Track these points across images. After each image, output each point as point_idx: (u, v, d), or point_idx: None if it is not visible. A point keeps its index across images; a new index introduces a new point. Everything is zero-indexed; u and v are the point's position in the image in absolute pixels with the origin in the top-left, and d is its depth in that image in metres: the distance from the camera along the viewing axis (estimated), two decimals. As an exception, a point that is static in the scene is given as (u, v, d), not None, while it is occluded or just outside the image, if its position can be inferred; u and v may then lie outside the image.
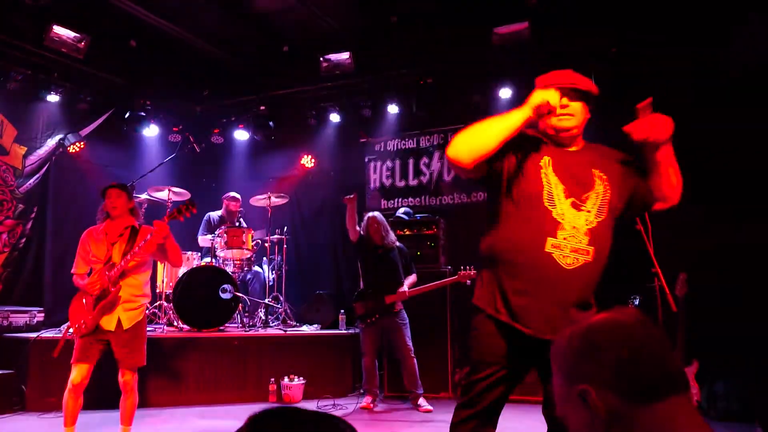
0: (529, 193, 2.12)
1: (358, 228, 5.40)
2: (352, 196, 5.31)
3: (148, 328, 5.84)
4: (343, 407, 5.26)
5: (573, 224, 2.09)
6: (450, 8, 6.17)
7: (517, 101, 6.50)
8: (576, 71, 2.23)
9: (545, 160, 2.17)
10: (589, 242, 2.09)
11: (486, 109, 6.79)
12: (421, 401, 5.16)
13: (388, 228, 5.46)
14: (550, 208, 2.10)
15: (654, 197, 2.22)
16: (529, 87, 6.85)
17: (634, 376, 1.01)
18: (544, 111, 2.06)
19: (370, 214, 5.49)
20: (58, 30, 5.88)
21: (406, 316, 5.29)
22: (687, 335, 4.72)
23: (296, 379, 5.54)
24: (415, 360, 5.21)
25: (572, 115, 2.18)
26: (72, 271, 3.92)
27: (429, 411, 5.03)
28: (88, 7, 5.95)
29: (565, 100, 2.17)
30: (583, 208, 2.12)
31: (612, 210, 2.16)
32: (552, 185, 2.13)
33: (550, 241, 2.07)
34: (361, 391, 5.47)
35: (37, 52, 5.97)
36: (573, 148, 2.24)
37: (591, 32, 5.91)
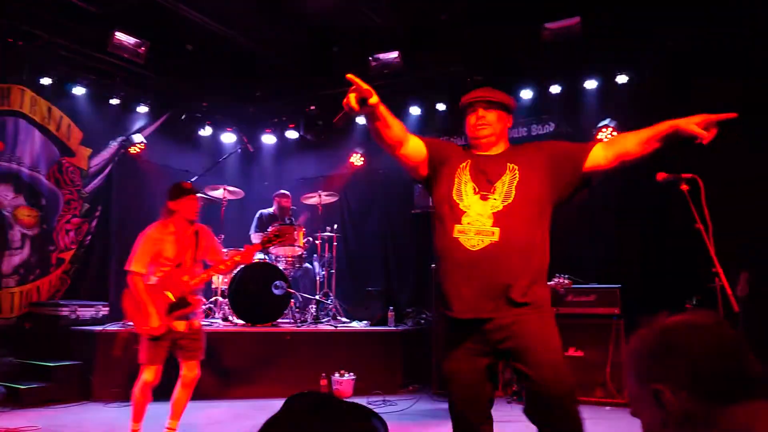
0: (445, 192, 2.39)
1: None
2: None
3: (204, 323, 6.07)
4: (393, 403, 5.31)
5: (478, 212, 2.30)
6: (499, 4, 6.11)
7: (568, 97, 6.45)
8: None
9: (465, 164, 2.42)
10: (493, 224, 2.26)
11: (536, 105, 6.72)
12: None
13: None
14: (458, 201, 2.34)
15: (604, 159, 2.36)
16: (579, 82, 6.74)
17: (710, 378, 1.00)
18: (346, 109, 2.25)
19: None
20: (120, 36, 6.14)
21: None
22: (747, 336, 4.56)
23: (347, 375, 5.63)
24: None
25: (488, 124, 2.45)
26: (130, 268, 3.73)
27: None
28: (148, 14, 6.18)
29: (481, 112, 2.46)
30: (489, 197, 2.32)
31: (524, 195, 2.30)
32: (462, 183, 2.37)
33: (456, 227, 2.29)
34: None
35: (101, 58, 6.25)
36: (492, 152, 2.48)
37: (643, 25, 5.75)
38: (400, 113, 7.35)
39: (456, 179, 2.38)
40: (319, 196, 6.90)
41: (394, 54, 6.72)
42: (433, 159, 2.47)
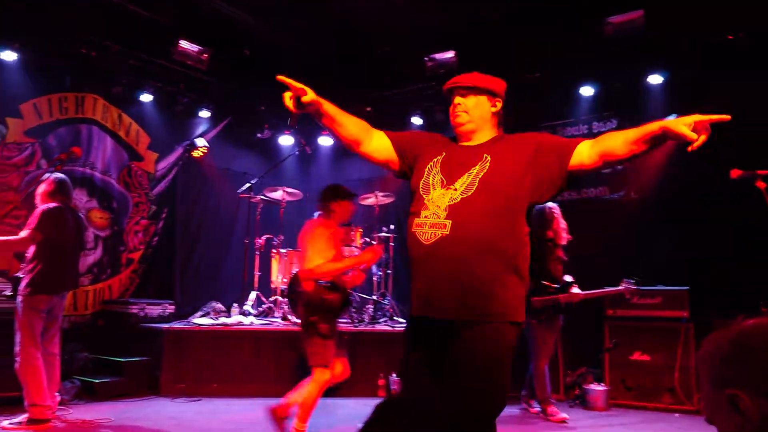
0: (415, 186, 2.27)
1: None
2: None
3: (264, 322, 6.21)
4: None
5: (437, 204, 2.16)
6: (557, 1, 5.99)
7: (631, 93, 6.25)
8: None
9: (440, 156, 2.28)
10: (446, 216, 2.11)
11: (598, 102, 6.54)
12: (552, 409, 4.85)
13: (564, 223, 5.13)
14: (423, 194, 2.21)
15: (590, 158, 2.15)
16: (642, 78, 6.51)
17: None
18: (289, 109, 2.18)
19: (549, 204, 5.10)
20: (184, 44, 6.37)
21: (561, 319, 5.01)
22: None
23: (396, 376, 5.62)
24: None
25: (464, 111, 2.29)
26: (311, 267, 3.74)
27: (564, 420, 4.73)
28: (209, 22, 6.39)
29: (457, 99, 2.31)
30: (451, 188, 2.17)
31: (488, 187, 2.12)
32: (431, 175, 2.24)
33: (415, 221, 2.19)
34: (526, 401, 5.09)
35: (166, 66, 6.50)
36: (474, 142, 2.31)
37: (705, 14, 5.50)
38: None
39: (426, 172, 2.25)
40: (376, 196, 6.95)
41: (450, 54, 6.69)
42: (404, 154, 2.34)
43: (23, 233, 4.21)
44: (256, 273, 6.93)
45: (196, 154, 7.28)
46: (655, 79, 6.08)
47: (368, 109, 7.59)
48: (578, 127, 6.70)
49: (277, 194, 6.95)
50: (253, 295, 6.72)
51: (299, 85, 2.14)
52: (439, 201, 2.15)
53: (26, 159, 5.89)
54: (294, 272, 4.17)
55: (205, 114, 7.37)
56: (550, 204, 5.11)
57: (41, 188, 4.38)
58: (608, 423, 4.69)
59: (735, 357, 1.03)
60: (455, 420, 2.02)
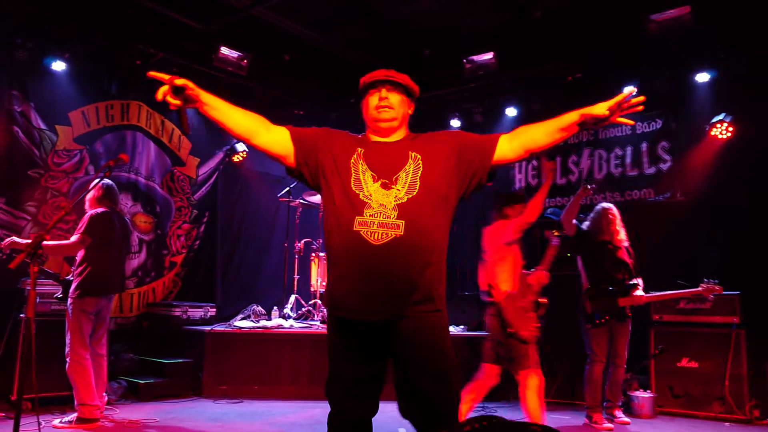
0: (340, 183, 2.17)
1: (575, 221, 4.89)
2: (589, 186, 4.75)
3: (303, 325, 6.24)
4: (492, 410, 5.21)
5: (381, 202, 2.12)
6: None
7: (677, 91, 6.07)
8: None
9: (358, 152, 2.22)
10: (398, 216, 2.09)
11: (645, 101, 6.37)
12: (618, 413, 4.80)
13: (622, 223, 4.99)
14: (357, 191, 2.14)
15: (479, 170, 2.24)
16: (688, 75, 6.34)
17: None
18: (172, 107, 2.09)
19: (605, 204, 5.03)
20: (225, 51, 6.47)
21: (630, 323, 4.86)
22: None
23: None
24: (623, 370, 4.86)
25: (391, 107, 2.25)
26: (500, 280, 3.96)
27: (626, 423, 4.71)
28: (249, 28, 6.48)
29: (384, 92, 2.27)
30: (393, 187, 2.15)
31: (428, 187, 2.16)
32: (360, 172, 2.18)
33: (357, 219, 2.10)
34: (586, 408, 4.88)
35: (207, 72, 6.61)
36: (392, 139, 2.29)
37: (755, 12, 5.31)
38: (496, 114, 7.25)
39: (352, 169, 2.18)
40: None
41: (489, 55, 6.62)
42: (304, 149, 2.25)
43: (73, 238, 4.34)
44: (296, 276, 6.99)
45: (236, 158, 7.40)
46: (702, 77, 5.89)
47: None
48: (621, 128, 6.55)
49: (316, 198, 7.00)
50: (292, 298, 6.78)
51: (167, 76, 2.04)
52: (383, 200, 2.12)
53: (75, 165, 6.08)
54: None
55: (244, 119, 7.46)
56: (605, 205, 5.02)
57: (90, 194, 4.51)
58: (655, 430, 4.56)
59: None
60: (445, 406, 2.08)
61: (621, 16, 5.89)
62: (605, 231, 4.85)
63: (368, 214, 2.10)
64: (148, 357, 5.89)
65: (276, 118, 7.43)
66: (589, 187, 4.68)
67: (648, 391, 5.16)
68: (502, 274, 3.94)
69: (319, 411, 5.05)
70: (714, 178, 5.80)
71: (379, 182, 2.16)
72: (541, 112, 6.96)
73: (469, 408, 3.99)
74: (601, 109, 2.13)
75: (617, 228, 4.87)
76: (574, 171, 6.83)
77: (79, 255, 4.38)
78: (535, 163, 7.13)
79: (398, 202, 2.12)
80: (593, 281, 4.87)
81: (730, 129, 5.67)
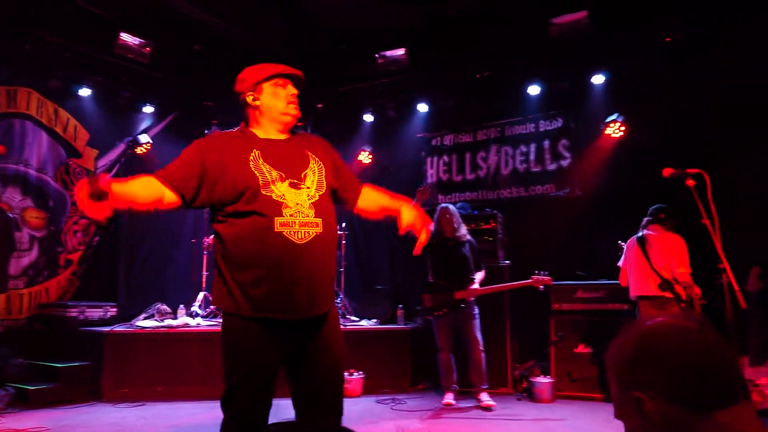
0: (245, 187, 2.09)
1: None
2: (425, 186, 5.00)
3: (212, 323, 6.05)
4: (402, 402, 5.28)
5: (296, 201, 2.13)
6: (507, 1, 6.07)
7: (576, 92, 6.39)
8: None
9: (255, 154, 2.17)
10: (315, 215, 2.14)
11: (544, 101, 6.67)
12: (483, 396, 5.06)
13: (461, 221, 5.34)
14: (268, 194, 2.10)
15: (342, 198, 2.41)
16: (586, 77, 6.66)
17: (693, 385, 0.98)
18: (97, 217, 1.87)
19: (443, 205, 5.39)
20: (125, 37, 6.14)
21: (476, 308, 5.16)
22: (761, 332, 4.50)
23: (355, 374, 5.61)
24: (483, 354, 5.10)
25: (297, 102, 2.31)
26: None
27: (490, 406, 4.94)
28: (153, 14, 6.18)
29: (292, 88, 2.30)
30: (302, 186, 2.17)
31: (328, 186, 2.26)
32: (265, 173, 2.14)
33: (278, 220, 2.07)
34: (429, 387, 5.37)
35: (106, 60, 6.25)
36: (282, 137, 2.30)
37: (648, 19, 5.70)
38: (408, 109, 7.34)
39: (256, 171, 2.12)
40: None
41: (401, 51, 6.70)
42: (189, 180, 2.13)
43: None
44: (204, 273, 6.77)
45: (139, 150, 7.05)
46: (597, 79, 6.24)
47: (319, 105, 7.53)
48: (525, 125, 6.81)
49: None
50: (201, 295, 6.56)
51: (92, 183, 1.85)
52: (296, 199, 2.13)
53: (-48, 155, 5.57)
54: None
55: (149, 109, 7.15)
56: (443, 205, 5.41)
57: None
58: (552, 414, 4.78)
59: (636, 360, 1.04)
60: (336, 414, 2.19)
61: (527, 19, 6.13)
62: (444, 229, 5.22)
63: (287, 214, 2.08)
64: (41, 361, 5.49)
65: (183, 109, 7.14)
66: (422, 189, 4.91)
67: (548, 376, 5.42)
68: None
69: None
70: (608, 175, 6.16)
71: (287, 181, 2.14)
72: (452, 109, 7.13)
73: None
74: (407, 216, 2.34)
75: (456, 225, 5.24)
76: (483, 167, 7.04)
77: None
78: (446, 158, 7.28)
79: (312, 200, 2.15)
80: (436, 276, 5.25)
81: (622, 128, 6.04)
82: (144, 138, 7.00)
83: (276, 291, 2.06)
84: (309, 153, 2.27)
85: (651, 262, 4.54)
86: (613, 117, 6.06)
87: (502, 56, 6.50)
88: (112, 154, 7.01)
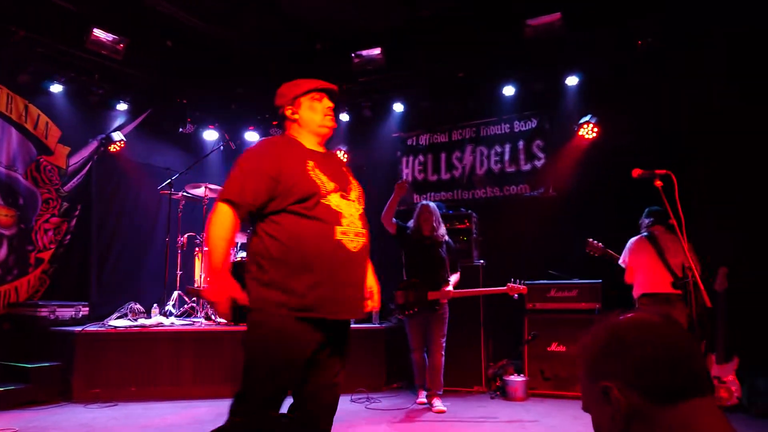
0: (309, 194, 2.23)
1: (395, 220, 5.16)
2: (402, 181, 5.05)
3: (186, 322, 6.01)
4: (377, 401, 5.31)
5: (349, 212, 2.32)
6: (482, 1, 6.13)
7: (550, 93, 6.48)
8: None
9: (310, 164, 2.31)
10: (362, 226, 2.36)
11: (519, 101, 6.74)
12: (436, 402, 4.96)
13: (440, 220, 5.23)
14: (327, 203, 2.26)
15: None
16: (560, 79, 6.76)
17: (658, 375, 1.01)
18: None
19: (424, 202, 5.29)
20: (98, 33, 6.06)
21: (447, 311, 5.06)
22: (727, 331, 4.62)
23: (330, 373, 5.60)
24: (442, 358, 5.02)
25: (333, 115, 2.47)
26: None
27: (442, 412, 4.86)
28: (126, 10, 6.11)
29: (327, 101, 2.45)
30: (349, 198, 2.36)
31: (362, 202, 2.48)
32: (324, 183, 2.29)
33: (338, 229, 2.26)
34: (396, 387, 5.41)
35: (79, 55, 6.16)
36: (321, 150, 2.46)
37: (620, 22, 5.81)
38: (384, 109, 7.36)
39: (316, 180, 2.27)
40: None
41: (377, 51, 6.71)
42: (276, 182, 2.25)
43: None
44: (178, 272, 6.70)
45: (112, 148, 6.96)
46: (571, 80, 6.34)
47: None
48: (500, 126, 6.89)
49: (200, 191, 6.75)
50: (174, 295, 6.50)
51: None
52: (349, 210, 2.32)
53: None
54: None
55: (122, 106, 7.05)
56: (423, 202, 5.33)
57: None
58: (525, 411, 4.85)
59: (608, 350, 1.07)
60: (335, 401, 2.39)
61: (502, 20, 6.19)
62: (422, 228, 5.13)
63: (345, 224, 2.27)
64: (10, 362, 5.38)
65: (157, 106, 7.05)
66: (400, 183, 5.00)
67: (521, 375, 5.48)
68: None
69: (203, 410, 4.90)
70: (581, 176, 6.26)
71: (339, 193, 2.31)
72: (428, 109, 7.17)
73: None
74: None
75: (435, 224, 5.15)
76: (458, 166, 7.09)
77: None
78: (421, 158, 7.33)
79: (359, 212, 2.37)
80: (410, 275, 5.18)
81: (595, 130, 6.14)
82: (117, 135, 6.91)
83: (330, 293, 2.21)
84: (346, 170, 2.48)
85: (668, 261, 4.51)
86: (587, 118, 6.15)
87: (477, 57, 6.56)
88: (85, 152, 6.90)
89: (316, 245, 2.20)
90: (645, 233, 4.75)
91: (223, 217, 2.20)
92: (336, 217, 2.25)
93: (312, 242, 2.20)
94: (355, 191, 2.43)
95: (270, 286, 2.19)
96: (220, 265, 2.17)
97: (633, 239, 4.81)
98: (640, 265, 4.67)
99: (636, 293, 4.70)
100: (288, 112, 2.43)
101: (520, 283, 4.98)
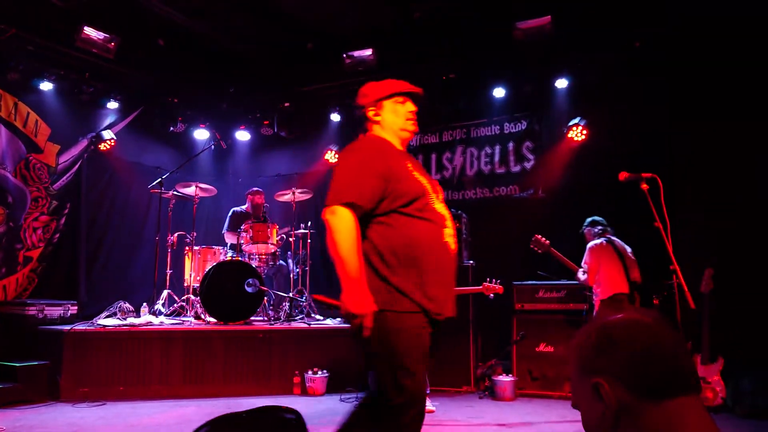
0: (419, 194, 2.24)
1: None
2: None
3: (176, 321, 6.01)
4: (365, 400, 5.32)
5: (446, 215, 2.33)
6: (473, 4, 6.16)
7: (540, 95, 6.53)
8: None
9: (409, 165, 2.31)
10: (454, 228, 2.35)
11: (509, 104, 6.78)
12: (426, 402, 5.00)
13: None
14: (433, 204, 2.28)
15: None
16: (550, 81, 6.81)
17: (646, 373, 1.05)
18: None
19: None
20: (89, 31, 6.04)
21: None
22: (712, 332, 4.68)
23: (320, 372, 5.62)
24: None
25: (416, 119, 2.44)
26: None
27: (430, 412, 4.79)
28: (117, 8, 6.09)
29: (410, 105, 2.43)
30: (441, 200, 2.37)
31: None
32: (426, 184, 2.30)
33: (446, 231, 2.29)
34: None
35: (69, 53, 6.14)
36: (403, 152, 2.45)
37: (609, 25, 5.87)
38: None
39: (420, 180, 2.28)
40: (293, 193, 6.88)
41: (368, 51, 6.73)
42: (382, 190, 2.22)
43: None
44: (168, 271, 6.69)
45: (102, 147, 6.94)
46: (561, 83, 6.39)
47: (286, 104, 7.52)
48: (491, 127, 6.93)
49: (190, 190, 6.74)
50: (164, 293, 6.49)
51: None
52: (445, 212, 2.33)
53: None
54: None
55: (113, 105, 7.03)
56: None
57: None
58: (513, 411, 4.89)
59: (600, 347, 1.11)
60: None
61: (492, 22, 6.23)
62: None
63: (449, 225, 2.31)
64: (-3, 361, 5.38)
65: (148, 105, 7.03)
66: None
67: (510, 375, 5.52)
68: None
69: (192, 410, 4.90)
70: (570, 177, 6.31)
71: (434, 195, 2.32)
72: (419, 110, 7.19)
73: None
74: None
75: None
76: (448, 167, 7.13)
77: None
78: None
79: (449, 215, 2.36)
80: None
81: (585, 132, 6.20)
82: (108, 134, 6.90)
83: (444, 293, 2.26)
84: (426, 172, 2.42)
85: (626, 265, 4.71)
86: (576, 120, 6.20)
87: (468, 59, 6.60)
88: (75, 150, 6.88)
89: (430, 247, 2.23)
90: (604, 239, 4.90)
91: (348, 224, 2.11)
92: (442, 219, 2.28)
93: (427, 244, 2.23)
94: (441, 193, 2.43)
95: (398, 289, 2.18)
96: (358, 276, 2.06)
97: (595, 242, 4.93)
98: (606, 268, 4.79)
99: (605, 295, 4.77)
100: (370, 113, 2.42)
101: (497, 283, 5.01)
